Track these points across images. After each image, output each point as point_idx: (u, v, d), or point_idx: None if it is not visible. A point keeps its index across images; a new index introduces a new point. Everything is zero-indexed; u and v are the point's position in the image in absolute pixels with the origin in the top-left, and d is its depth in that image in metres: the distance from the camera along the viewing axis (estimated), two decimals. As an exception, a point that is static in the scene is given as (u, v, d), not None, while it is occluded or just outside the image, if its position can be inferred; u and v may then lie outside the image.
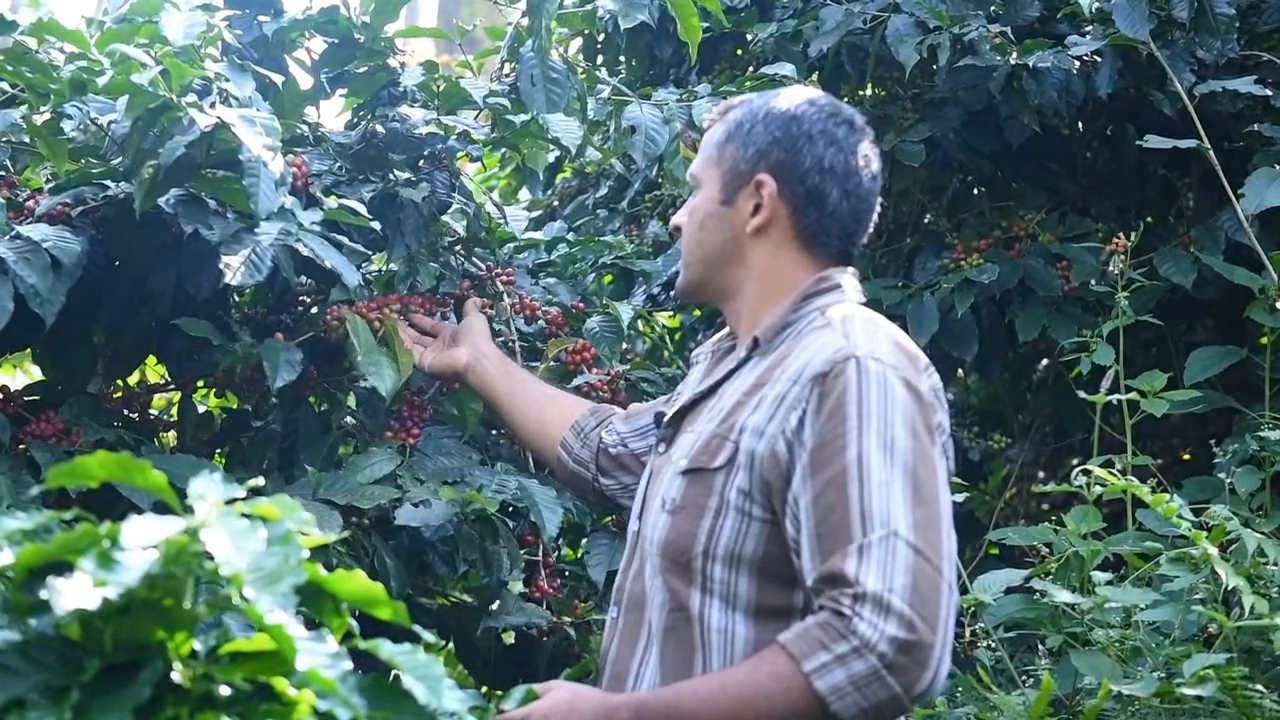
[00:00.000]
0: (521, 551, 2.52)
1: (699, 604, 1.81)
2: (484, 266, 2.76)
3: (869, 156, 1.95)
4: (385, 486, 2.36)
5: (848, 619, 1.66)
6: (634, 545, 1.94)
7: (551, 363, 2.68)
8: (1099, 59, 3.36)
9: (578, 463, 2.29)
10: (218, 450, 2.62)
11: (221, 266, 2.17)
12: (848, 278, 1.94)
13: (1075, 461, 2.79)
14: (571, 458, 2.29)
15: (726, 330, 2.03)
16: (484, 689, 2.66)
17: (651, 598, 1.86)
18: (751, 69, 3.52)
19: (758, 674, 1.70)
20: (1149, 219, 3.56)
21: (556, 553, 2.67)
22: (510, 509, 2.44)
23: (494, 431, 2.70)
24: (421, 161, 2.67)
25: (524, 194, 4.18)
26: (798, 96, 1.96)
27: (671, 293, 3.69)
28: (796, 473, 1.75)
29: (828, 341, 1.80)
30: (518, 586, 2.50)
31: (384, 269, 2.70)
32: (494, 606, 2.53)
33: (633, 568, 1.93)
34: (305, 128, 2.62)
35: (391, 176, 2.58)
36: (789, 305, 1.89)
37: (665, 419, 2.00)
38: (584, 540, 2.65)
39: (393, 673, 1.17)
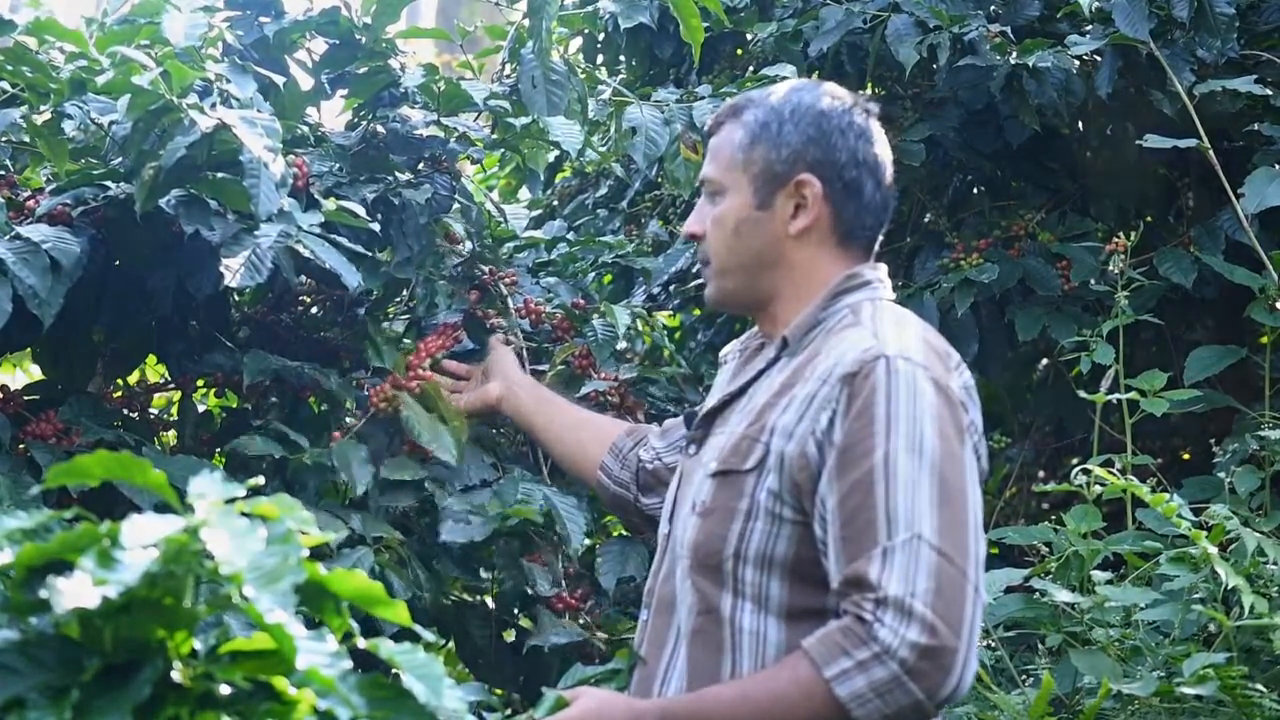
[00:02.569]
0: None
1: (730, 606, 1.79)
2: (487, 270, 2.76)
3: (885, 144, 1.93)
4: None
5: (869, 624, 1.65)
6: (664, 548, 1.93)
7: (560, 367, 2.68)
8: (1099, 59, 3.35)
9: (618, 485, 2.27)
10: (218, 450, 2.62)
11: (222, 269, 2.17)
12: (878, 273, 1.91)
13: (1075, 461, 2.78)
14: (612, 480, 2.27)
15: (755, 329, 1.99)
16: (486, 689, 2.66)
17: (680, 600, 1.85)
18: (751, 69, 3.52)
19: (780, 679, 1.69)
20: (1149, 219, 3.55)
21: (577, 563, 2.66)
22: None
23: (496, 430, 2.70)
24: (422, 164, 2.67)
25: (524, 193, 4.17)
26: (812, 89, 1.92)
27: (671, 289, 3.69)
28: (824, 474, 1.73)
29: (857, 340, 1.77)
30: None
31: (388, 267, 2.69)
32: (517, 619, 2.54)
33: (663, 570, 1.92)
34: (306, 128, 2.62)
35: (392, 178, 2.58)
36: (818, 303, 1.86)
37: (695, 420, 1.98)
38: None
39: (393, 672, 1.17)
